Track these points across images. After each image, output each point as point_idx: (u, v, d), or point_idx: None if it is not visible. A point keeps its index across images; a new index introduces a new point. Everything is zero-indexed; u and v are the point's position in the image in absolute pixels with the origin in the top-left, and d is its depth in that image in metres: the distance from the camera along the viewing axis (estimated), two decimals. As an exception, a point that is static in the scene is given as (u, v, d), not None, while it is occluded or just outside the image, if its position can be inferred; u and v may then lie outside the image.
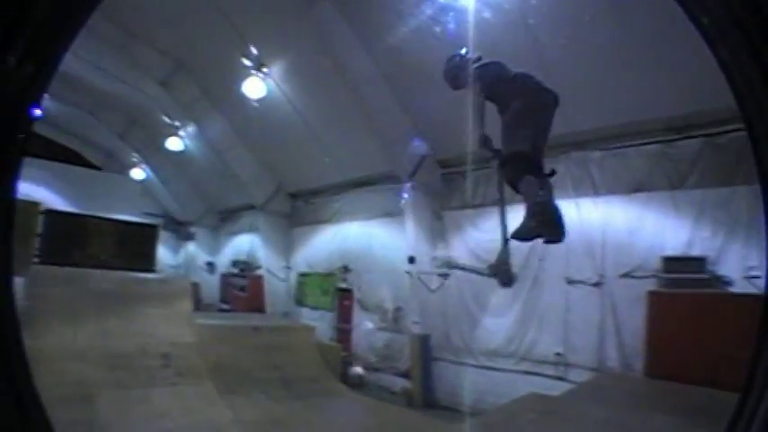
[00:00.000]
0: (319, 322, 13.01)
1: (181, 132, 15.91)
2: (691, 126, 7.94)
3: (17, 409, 1.11)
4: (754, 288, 6.86)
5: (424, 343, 10.47)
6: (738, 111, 1.32)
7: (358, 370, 11.67)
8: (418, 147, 10.45)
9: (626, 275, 8.20)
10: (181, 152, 16.59)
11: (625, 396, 6.78)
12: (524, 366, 9.17)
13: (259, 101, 11.44)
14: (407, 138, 10.44)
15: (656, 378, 7.26)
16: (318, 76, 10.91)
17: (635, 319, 7.81)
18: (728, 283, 7.34)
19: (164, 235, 16.66)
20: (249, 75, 11.11)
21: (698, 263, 7.48)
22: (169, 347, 8.10)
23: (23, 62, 1.03)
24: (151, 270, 11.07)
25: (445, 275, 10.48)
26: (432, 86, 7.27)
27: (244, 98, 11.48)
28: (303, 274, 14.79)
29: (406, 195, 10.67)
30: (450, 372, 10.32)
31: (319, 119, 12.09)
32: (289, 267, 15.25)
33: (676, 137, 8.06)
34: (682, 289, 7.35)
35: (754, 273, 7.06)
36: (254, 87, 11.25)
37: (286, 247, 15.36)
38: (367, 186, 12.34)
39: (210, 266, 18.95)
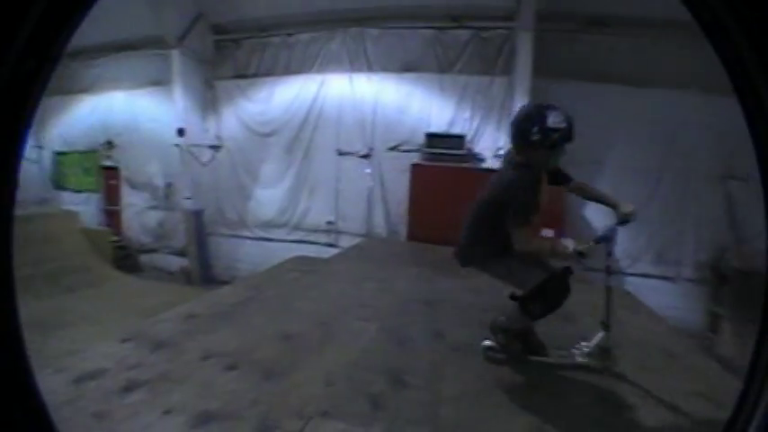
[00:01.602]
0: (85, 206, 11.53)
1: None
2: (465, 17, 8.55)
3: (20, 407, 1.08)
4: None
5: (197, 219, 10.06)
6: (741, 109, 1.19)
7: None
8: (188, 8, 9.39)
9: (393, 149, 8.79)
10: None
11: (386, 256, 7.46)
12: (298, 235, 9.49)
13: None
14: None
15: (416, 241, 8.14)
16: None
17: (400, 190, 8.52)
18: (482, 159, 8.41)
19: None
20: None
21: (457, 140, 8.36)
22: None
23: (24, 58, 1.00)
24: None
25: (216, 147, 9.99)
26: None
27: None
28: (60, 153, 12.69)
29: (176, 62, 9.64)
30: (226, 246, 10.19)
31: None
32: (40, 146, 12.92)
33: (451, 25, 8.61)
34: (441, 162, 8.18)
35: (502, 152, 8.19)
36: None
37: (34, 123, 12.86)
38: (130, 51, 10.75)
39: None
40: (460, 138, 8.30)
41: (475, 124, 8.48)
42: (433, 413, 2.65)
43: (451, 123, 8.56)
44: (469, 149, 8.37)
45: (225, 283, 9.73)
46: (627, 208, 3.03)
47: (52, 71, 1.10)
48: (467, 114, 8.50)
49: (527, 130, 2.85)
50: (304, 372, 3.04)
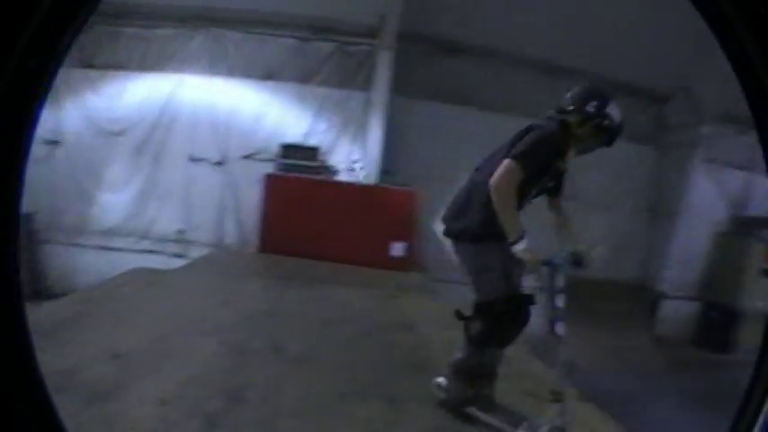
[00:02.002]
0: None
1: None
2: (329, 29, 8.57)
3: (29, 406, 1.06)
4: (355, 177, 8.16)
5: (27, 223, 9.00)
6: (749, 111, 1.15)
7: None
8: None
9: (248, 157, 8.56)
10: None
11: (233, 268, 7.24)
12: (144, 245, 8.83)
13: None
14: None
15: (267, 253, 7.96)
16: None
17: (254, 199, 8.30)
18: (335, 171, 8.47)
19: None
20: None
21: (312, 152, 8.32)
22: None
23: (28, 57, 0.97)
24: None
25: (54, 142, 9.03)
26: None
27: None
28: None
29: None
30: (63, 255, 9.22)
31: None
32: None
33: (314, 36, 8.59)
34: (295, 173, 8.10)
35: (356, 165, 8.33)
36: None
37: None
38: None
39: None
40: (315, 150, 8.30)
41: (331, 137, 8.52)
42: (271, 429, 2.59)
43: (308, 135, 8.54)
44: (324, 162, 8.38)
45: (57, 296, 8.86)
46: (581, 247, 2.78)
47: (58, 70, 1.08)
48: (323, 126, 8.52)
49: (589, 97, 2.81)
50: (135, 392, 2.82)
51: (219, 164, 8.60)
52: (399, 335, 4.48)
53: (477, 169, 2.96)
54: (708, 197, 10.36)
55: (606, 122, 2.78)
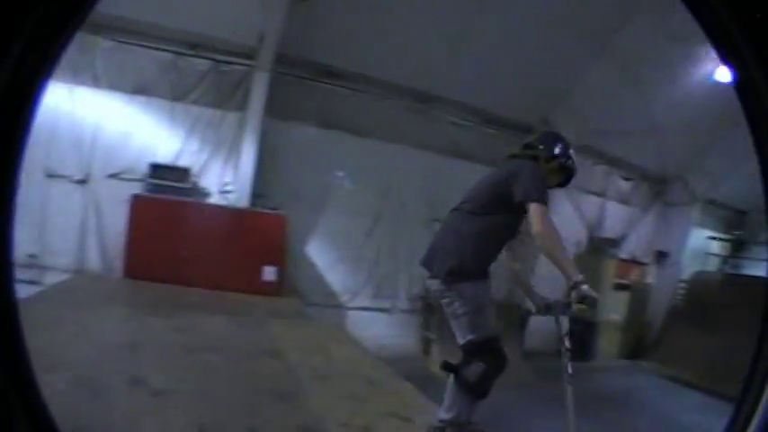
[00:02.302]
0: None
1: None
2: (205, 47, 8.33)
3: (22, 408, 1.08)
4: (226, 201, 7.95)
5: None
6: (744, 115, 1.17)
7: None
8: None
9: (114, 176, 8.03)
10: None
11: (96, 295, 6.75)
12: (-12, 271, 7.97)
13: None
14: None
15: (133, 278, 7.51)
16: None
17: (119, 221, 7.81)
18: (206, 194, 8.23)
19: None
20: None
21: (182, 173, 8.02)
22: None
23: (26, 54, 0.96)
24: None
25: None
26: None
27: None
28: None
29: None
30: None
31: None
32: None
33: (189, 52, 8.31)
34: (164, 195, 7.75)
35: (227, 188, 8.15)
36: None
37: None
38: None
39: None
40: (186, 171, 8.01)
41: (203, 158, 8.27)
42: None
43: (179, 155, 8.19)
44: (195, 183, 8.11)
45: None
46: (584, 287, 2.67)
47: (53, 71, 1.07)
48: (195, 147, 8.25)
49: (556, 140, 3.10)
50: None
51: (82, 182, 7.95)
52: (265, 362, 4.44)
53: (454, 210, 3.09)
54: (570, 220, 11.36)
55: (569, 162, 3.10)
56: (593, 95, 9.60)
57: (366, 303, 8.94)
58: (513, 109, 9.92)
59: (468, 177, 9.54)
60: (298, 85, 8.56)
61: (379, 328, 8.90)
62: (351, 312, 8.73)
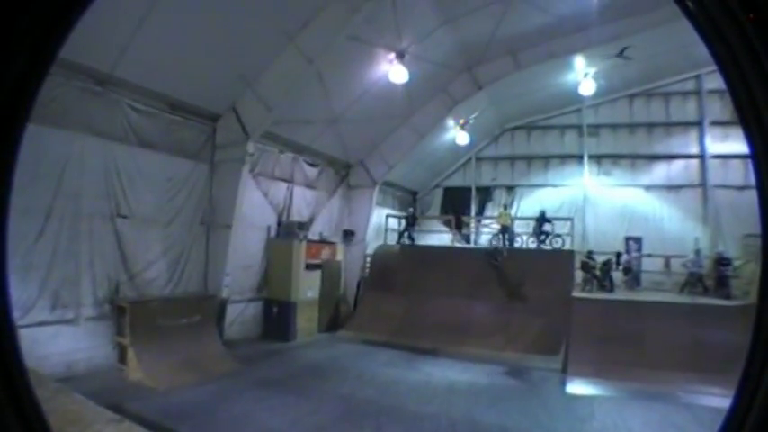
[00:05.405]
0: None
1: None
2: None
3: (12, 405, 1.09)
4: None
5: None
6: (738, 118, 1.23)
7: None
8: None
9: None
10: None
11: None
12: None
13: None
14: None
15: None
16: None
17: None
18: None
19: None
20: None
21: None
22: None
23: (19, 55, 1.00)
24: None
25: None
26: None
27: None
28: None
29: None
30: None
31: None
32: None
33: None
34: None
35: None
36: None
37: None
38: None
39: None
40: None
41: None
42: None
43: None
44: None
45: None
46: None
47: (47, 70, 1.11)
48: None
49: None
50: None
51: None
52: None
53: None
54: (258, 206, 11.91)
55: None
56: (279, 87, 10.09)
57: (43, 317, 7.50)
58: (199, 97, 9.80)
59: (153, 169, 9.14)
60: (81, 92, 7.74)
61: (66, 342, 7.69)
62: (24, 332, 7.11)
